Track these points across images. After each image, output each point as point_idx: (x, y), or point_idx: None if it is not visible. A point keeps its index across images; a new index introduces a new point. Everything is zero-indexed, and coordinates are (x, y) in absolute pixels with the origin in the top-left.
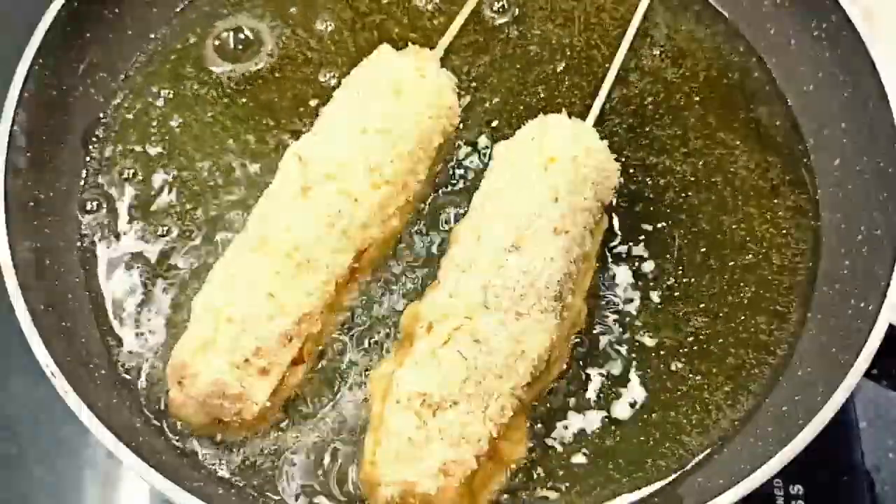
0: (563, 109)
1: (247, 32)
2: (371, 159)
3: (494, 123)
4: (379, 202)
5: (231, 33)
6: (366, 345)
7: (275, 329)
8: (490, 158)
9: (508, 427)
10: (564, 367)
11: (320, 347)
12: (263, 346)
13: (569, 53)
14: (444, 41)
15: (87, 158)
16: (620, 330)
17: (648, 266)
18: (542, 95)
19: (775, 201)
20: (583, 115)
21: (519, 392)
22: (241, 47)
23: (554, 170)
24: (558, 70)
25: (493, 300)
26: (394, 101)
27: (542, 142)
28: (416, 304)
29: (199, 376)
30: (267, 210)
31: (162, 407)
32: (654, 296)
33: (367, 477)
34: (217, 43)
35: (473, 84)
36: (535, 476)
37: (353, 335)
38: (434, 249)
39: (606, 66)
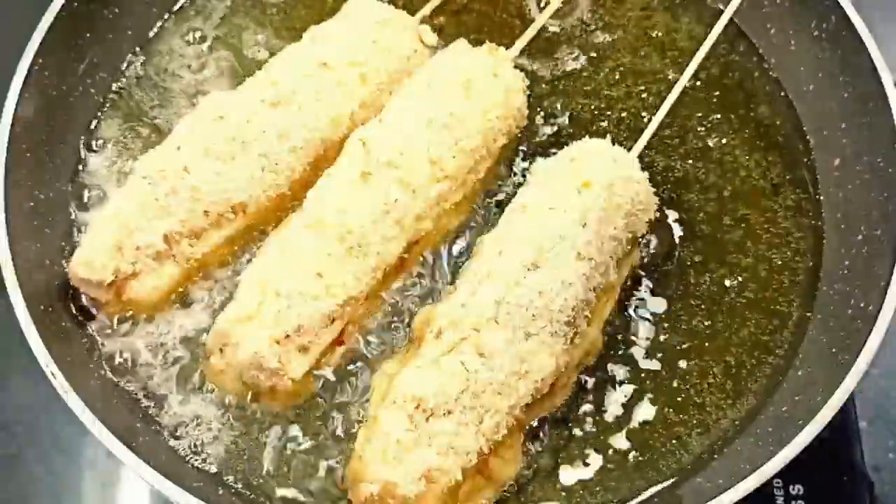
0: (609, 135)
1: (248, 32)
2: (433, 152)
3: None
4: (436, 195)
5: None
6: (377, 342)
7: (319, 308)
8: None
9: (501, 445)
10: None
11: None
12: (306, 325)
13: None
14: (522, 42)
15: (88, 158)
16: (620, 330)
17: (648, 266)
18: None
19: (775, 201)
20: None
21: (517, 412)
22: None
23: (587, 195)
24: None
25: (504, 316)
26: (463, 96)
27: (579, 165)
28: (430, 308)
29: (239, 346)
30: (325, 191)
31: (159, 407)
32: (654, 296)
33: (353, 471)
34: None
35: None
36: (536, 480)
37: (370, 331)
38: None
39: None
